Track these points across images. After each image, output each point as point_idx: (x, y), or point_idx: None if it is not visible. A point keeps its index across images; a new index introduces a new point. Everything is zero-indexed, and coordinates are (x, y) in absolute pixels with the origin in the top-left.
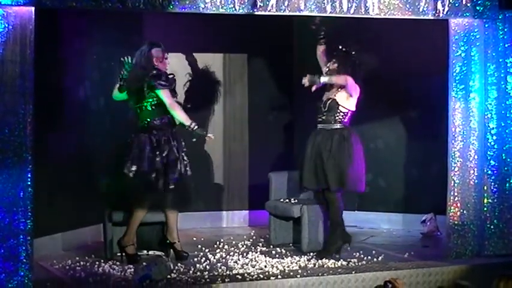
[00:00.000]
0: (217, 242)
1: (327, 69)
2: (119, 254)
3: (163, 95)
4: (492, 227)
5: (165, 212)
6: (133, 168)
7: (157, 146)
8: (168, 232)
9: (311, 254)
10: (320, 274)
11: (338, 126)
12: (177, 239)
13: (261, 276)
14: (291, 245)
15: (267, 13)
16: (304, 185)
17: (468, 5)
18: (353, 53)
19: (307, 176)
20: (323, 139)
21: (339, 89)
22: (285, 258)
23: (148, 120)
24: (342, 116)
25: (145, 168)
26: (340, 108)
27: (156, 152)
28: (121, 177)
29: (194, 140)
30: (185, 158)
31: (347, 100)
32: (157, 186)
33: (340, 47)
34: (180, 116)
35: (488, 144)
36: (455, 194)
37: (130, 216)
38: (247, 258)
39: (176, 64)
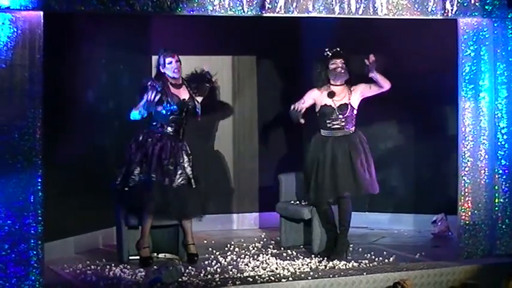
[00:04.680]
0: (228, 245)
1: (338, 67)
2: (131, 257)
3: None
4: (503, 226)
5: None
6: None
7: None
8: (184, 234)
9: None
10: (331, 276)
11: (353, 130)
12: (191, 241)
13: (272, 278)
14: (301, 246)
15: (275, 15)
16: (334, 196)
17: (477, 4)
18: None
19: (334, 185)
20: (341, 145)
21: (351, 92)
22: (295, 260)
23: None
24: (355, 119)
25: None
26: (354, 112)
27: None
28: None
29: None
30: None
31: (357, 102)
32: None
33: (339, 49)
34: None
35: (499, 143)
36: (466, 193)
37: (141, 219)
38: (258, 260)
39: (184, 66)
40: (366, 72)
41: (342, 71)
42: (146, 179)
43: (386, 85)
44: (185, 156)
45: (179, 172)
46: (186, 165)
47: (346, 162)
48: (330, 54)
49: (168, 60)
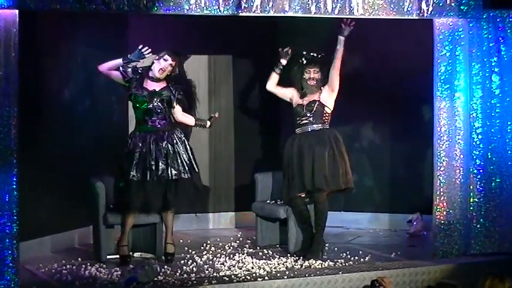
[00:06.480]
0: (204, 244)
1: (310, 79)
2: (109, 256)
3: None
4: (478, 226)
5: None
6: None
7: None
8: (165, 232)
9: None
10: (307, 275)
11: (327, 126)
12: (169, 241)
13: (248, 277)
14: (277, 246)
15: (251, 14)
16: (303, 190)
17: (452, 4)
18: (323, 54)
19: (301, 180)
20: (307, 140)
21: (321, 89)
22: (271, 259)
23: None
24: (328, 116)
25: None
26: (325, 109)
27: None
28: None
29: None
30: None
31: (329, 100)
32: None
33: (315, 54)
34: None
35: (474, 143)
36: (442, 193)
37: (122, 218)
38: (234, 259)
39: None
40: (338, 32)
41: (314, 83)
42: (129, 178)
43: (339, 53)
44: (168, 148)
45: (161, 167)
46: (167, 159)
47: (310, 157)
48: (305, 61)
49: (166, 57)
